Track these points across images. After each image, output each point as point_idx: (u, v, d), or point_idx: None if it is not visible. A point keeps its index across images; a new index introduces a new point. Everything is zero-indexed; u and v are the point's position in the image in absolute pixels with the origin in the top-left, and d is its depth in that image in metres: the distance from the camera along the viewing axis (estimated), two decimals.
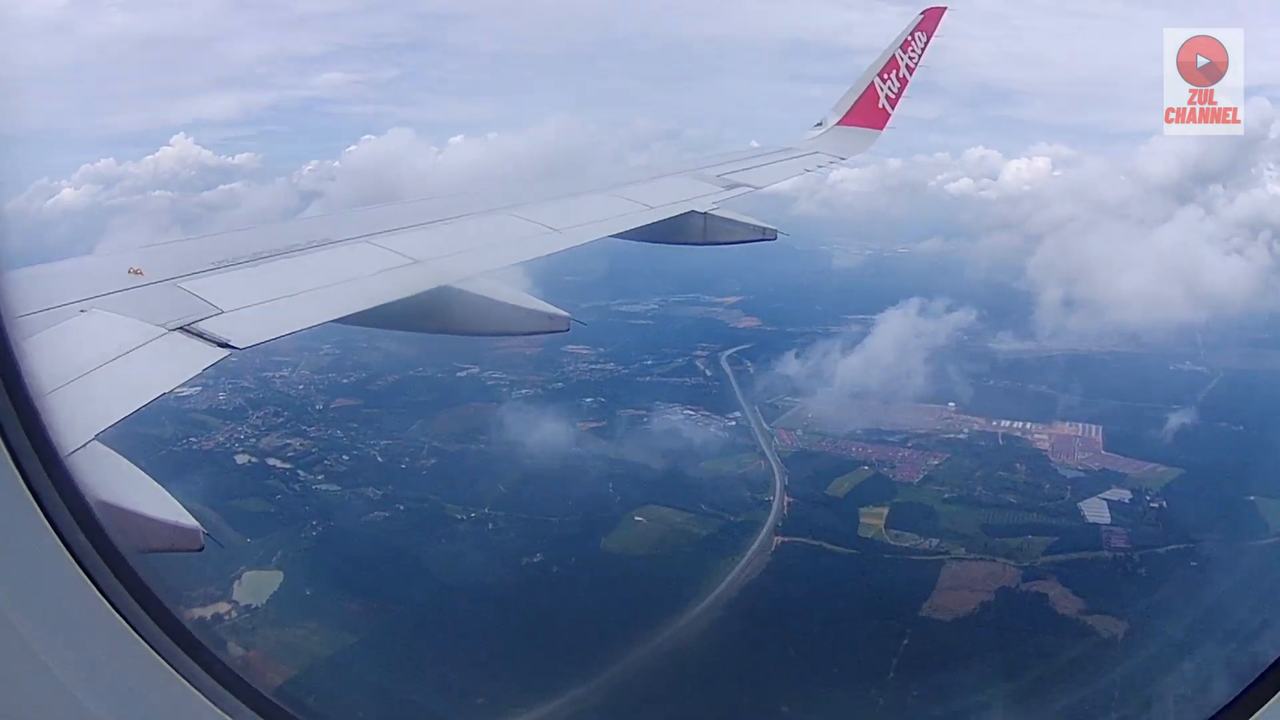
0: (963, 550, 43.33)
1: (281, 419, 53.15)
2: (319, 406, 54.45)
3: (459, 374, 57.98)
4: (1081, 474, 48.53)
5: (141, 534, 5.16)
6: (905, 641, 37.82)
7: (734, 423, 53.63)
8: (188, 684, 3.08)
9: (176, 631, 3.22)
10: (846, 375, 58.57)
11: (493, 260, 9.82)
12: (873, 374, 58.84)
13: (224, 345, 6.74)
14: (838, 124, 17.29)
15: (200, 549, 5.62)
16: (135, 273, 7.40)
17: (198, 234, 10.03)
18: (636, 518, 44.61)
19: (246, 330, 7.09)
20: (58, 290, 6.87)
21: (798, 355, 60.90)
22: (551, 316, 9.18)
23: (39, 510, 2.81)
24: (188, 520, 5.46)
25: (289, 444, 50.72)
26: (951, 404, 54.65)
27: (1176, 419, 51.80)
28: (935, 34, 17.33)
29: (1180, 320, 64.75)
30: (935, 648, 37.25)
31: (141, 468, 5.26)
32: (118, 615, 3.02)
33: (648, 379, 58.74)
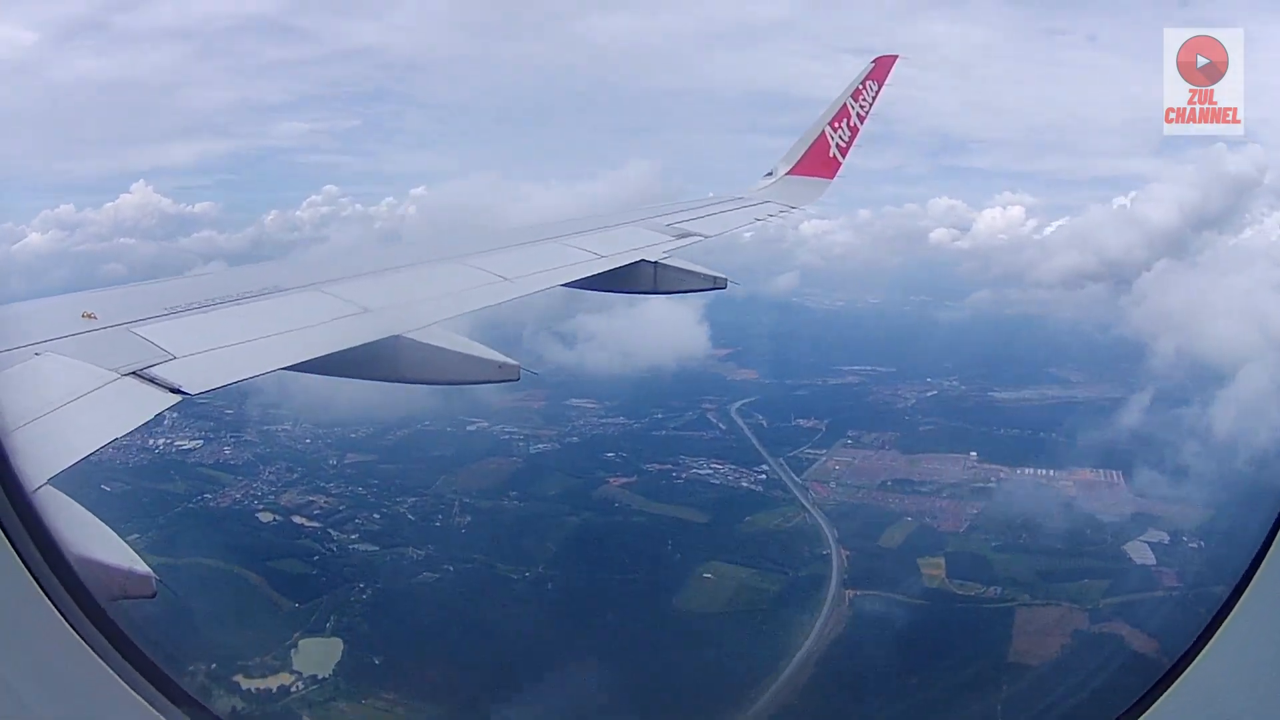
0: (1027, 596, 42.94)
1: (296, 475, 49.96)
2: (333, 462, 51.35)
3: (469, 428, 55.67)
4: (1116, 518, 48.89)
5: (95, 579, 4.80)
6: (1004, 689, 37.08)
7: (764, 476, 52.39)
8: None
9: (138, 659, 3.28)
10: (859, 426, 58.20)
11: (442, 310, 9.76)
12: (883, 424, 58.70)
13: (176, 391, 6.69)
14: (788, 173, 17.20)
15: (153, 595, 5.43)
16: (88, 317, 7.40)
17: (150, 279, 9.71)
18: (704, 575, 42.73)
19: (198, 376, 7.05)
20: (11, 333, 6.81)
21: (805, 407, 60.35)
22: (501, 365, 9.07)
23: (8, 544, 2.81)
24: (140, 566, 5.27)
25: (312, 501, 47.50)
26: (973, 453, 54.72)
27: (1194, 461, 52.90)
28: (887, 83, 17.19)
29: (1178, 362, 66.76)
30: (1033, 693, 36.59)
31: (108, 522, 5.21)
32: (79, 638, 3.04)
33: (663, 433, 57.13)
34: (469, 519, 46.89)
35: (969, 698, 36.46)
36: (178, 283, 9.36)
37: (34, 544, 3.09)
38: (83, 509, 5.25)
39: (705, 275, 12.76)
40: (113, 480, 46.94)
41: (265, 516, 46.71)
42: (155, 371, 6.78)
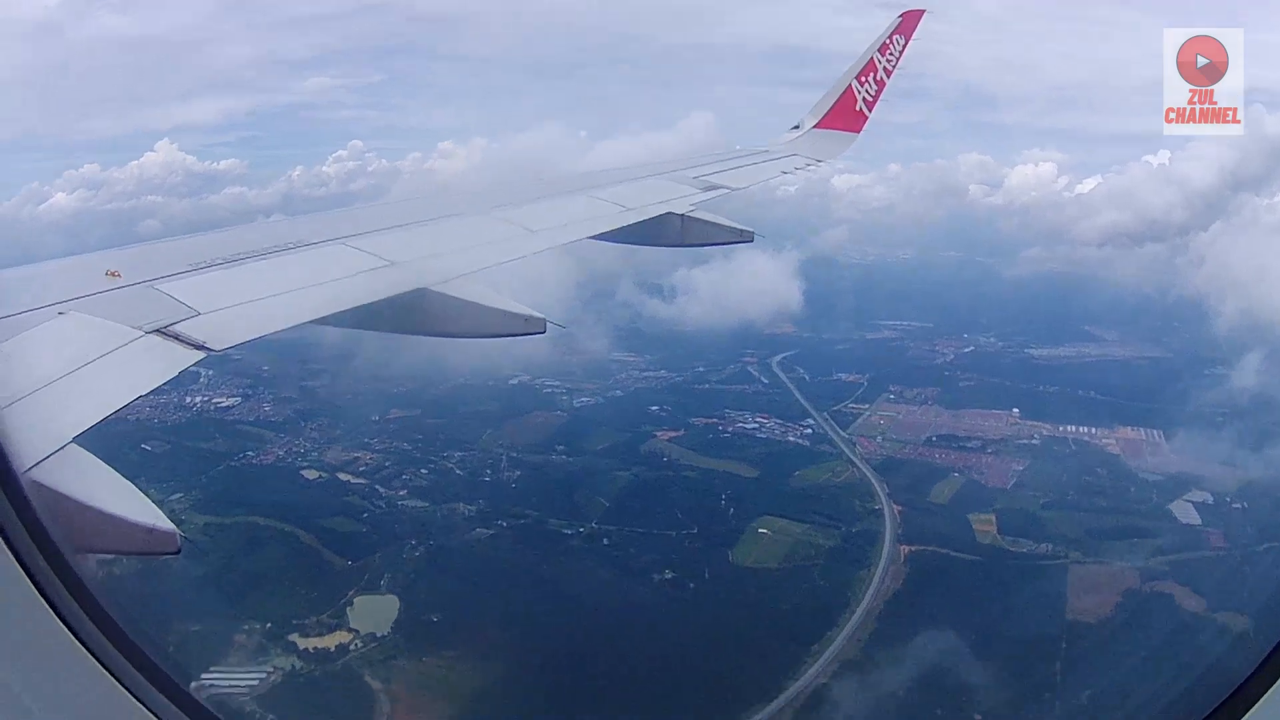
0: (1079, 554, 42.94)
1: (339, 431, 49.56)
2: (375, 418, 50.80)
3: (511, 381, 55.23)
4: (1159, 478, 48.79)
5: (118, 537, 5.02)
6: (1064, 645, 37.16)
7: (810, 430, 52.24)
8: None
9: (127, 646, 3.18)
10: (899, 382, 57.95)
11: (469, 262, 9.65)
12: (924, 380, 58.45)
13: (200, 348, 6.67)
14: (814, 127, 17.09)
15: (177, 552, 5.24)
16: (112, 275, 7.36)
17: (174, 236, 9.74)
18: (760, 530, 42.55)
19: (223, 332, 7.01)
20: (36, 293, 6.81)
21: (845, 362, 60.03)
22: (527, 319, 8.94)
23: None
24: (164, 523, 5.14)
25: (357, 458, 47.04)
26: (1015, 410, 54.55)
27: (1231, 422, 52.83)
28: (914, 37, 17.04)
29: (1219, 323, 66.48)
30: (1092, 650, 36.67)
31: (128, 478, 5.09)
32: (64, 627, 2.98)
33: (706, 386, 56.94)
34: (518, 473, 46.60)
35: (1032, 657, 36.50)
36: (202, 239, 9.27)
37: (28, 536, 3.01)
38: (107, 467, 5.16)
39: (732, 228, 12.53)
40: (153, 439, 46.82)
41: (310, 474, 46.26)
42: (179, 328, 6.78)
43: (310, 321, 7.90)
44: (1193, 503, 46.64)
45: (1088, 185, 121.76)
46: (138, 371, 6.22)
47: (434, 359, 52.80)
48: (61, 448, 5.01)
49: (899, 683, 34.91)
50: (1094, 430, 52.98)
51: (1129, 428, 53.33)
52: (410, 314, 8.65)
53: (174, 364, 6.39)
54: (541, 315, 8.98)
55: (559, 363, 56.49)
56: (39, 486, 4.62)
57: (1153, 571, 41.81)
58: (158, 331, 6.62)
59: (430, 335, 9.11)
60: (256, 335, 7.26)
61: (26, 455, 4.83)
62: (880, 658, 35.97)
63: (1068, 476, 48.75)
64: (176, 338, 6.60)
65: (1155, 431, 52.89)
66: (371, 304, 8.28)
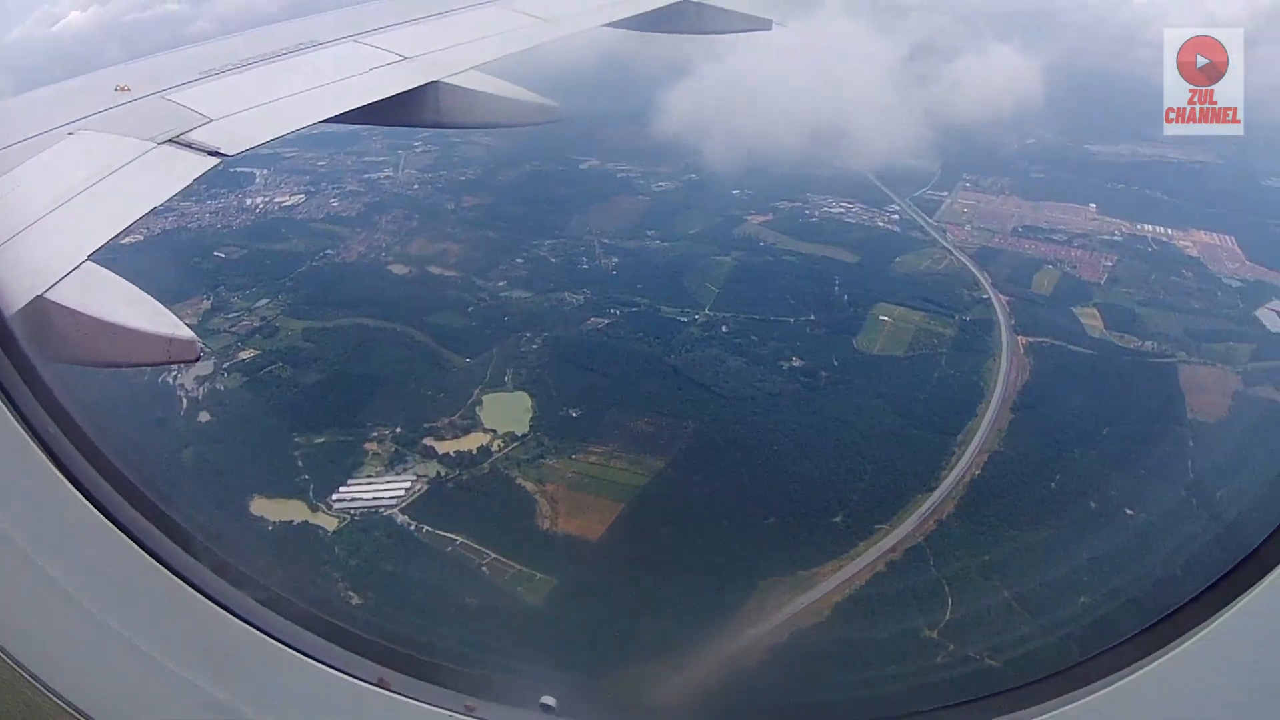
0: (1184, 354, 42.66)
1: (415, 223, 47.04)
2: (450, 207, 47.65)
3: (581, 166, 52.10)
4: (1241, 283, 48.38)
5: (139, 349, 5.19)
6: (1190, 444, 37.05)
7: (896, 216, 50.37)
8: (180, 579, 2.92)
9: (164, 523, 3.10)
10: (972, 170, 55.91)
11: (482, 53, 9.50)
12: (995, 170, 56.44)
13: (214, 154, 6.68)
14: None
15: (197, 359, 5.59)
16: (122, 89, 7.24)
17: (184, 45, 9.79)
18: (880, 317, 41.03)
19: (236, 137, 6.94)
20: (46, 115, 6.77)
21: (912, 148, 57.68)
22: (541, 107, 9.11)
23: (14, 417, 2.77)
24: (184, 332, 5.36)
25: (444, 250, 44.19)
26: (1092, 205, 53.24)
27: None
28: None
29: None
30: (1216, 452, 36.65)
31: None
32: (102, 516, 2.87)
33: (781, 169, 54.07)
34: (615, 260, 44.09)
35: (1160, 452, 36.25)
36: (214, 45, 9.19)
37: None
38: (122, 280, 5.24)
39: (748, 16, 12.61)
40: (225, 245, 44.44)
41: (399, 269, 43.67)
42: (192, 136, 6.76)
43: (324, 120, 7.90)
44: (1276, 311, 46.46)
45: None
46: (152, 183, 6.24)
47: (493, 147, 49.65)
48: (77, 266, 5.07)
49: (1047, 476, 34.43)
50: (1170, 231, 52.01)
51: (1202, 231, 52.45)
52: (424, 107, 8.53)
53: (188, 172, 6.43)
54: (555, 103, 9.15)
55: (627, 146, 53.95)
56: (57, 307, 4.68)
57: (1252, 376, 41.76)
58: (170, 141, 6.63)
59: (444, 127, 9.09)
60: (272, 137, 7.25)
61: (44, 277, 4.86)
62: (1027, 451, 35.38)
63: (1156, 275, 48.04)
64: (189, 145, 6.64)
65: (1228, 237, 52.18)
66: (385, 100, 8.19)
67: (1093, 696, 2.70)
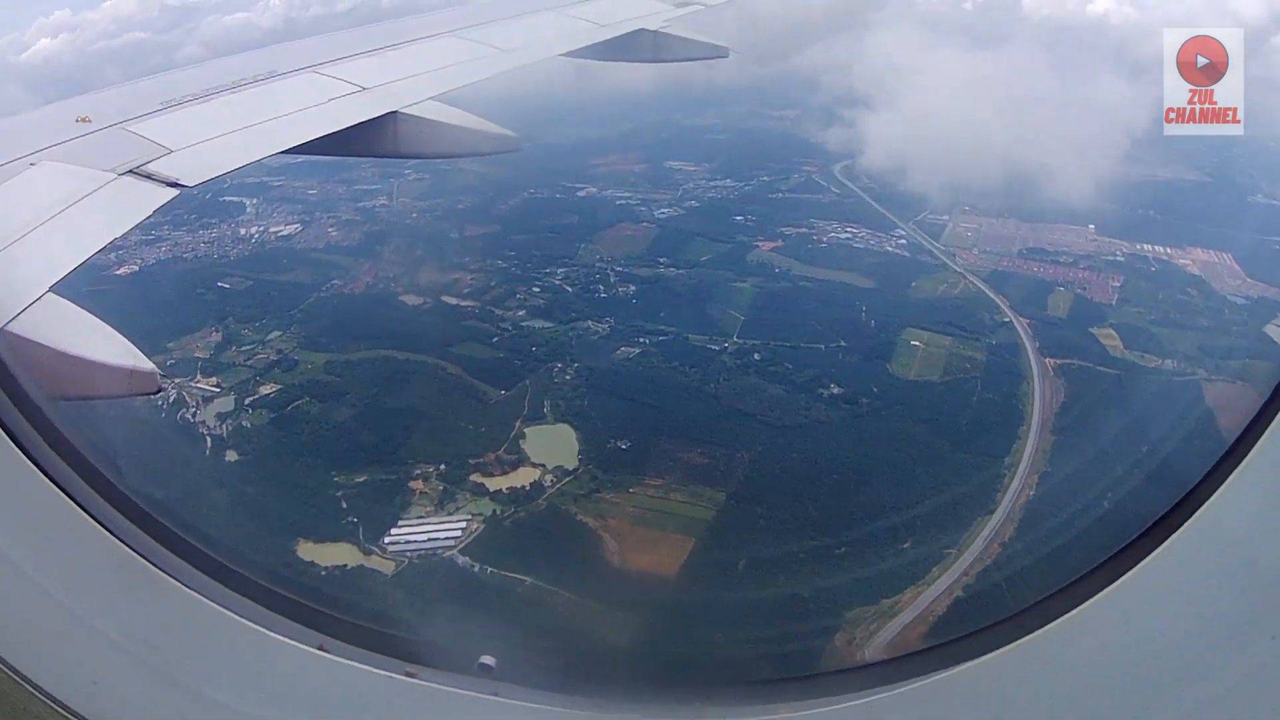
0: (1203, 372, 42.74)
1: (420, 252, 45.26)
2: (454, 235, 46.36)
3: (579, 194, 50.93)
4: (1245, 300, 48.85)
5: (99, 381, 5.10)
6: None
7: (903, 240, 49.99)
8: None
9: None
10: (968, 193, 55.96)
11: (441, 84, 9.55)
12: (989, 189, 56.57)
13: (174, 185, 6.64)
14: None
15: (157, 391, 5.45)
16: (83, 120, 7.22)
17: (144, 75, 9.78)
18: (912, 342, 40.45)
19: (196, 167, 6.93)
20: (9, 146, 6.64)
21: (904, 172, 57.50)
22: (500, 137, 9.10)
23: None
24: (145, 364, 5.31)
25: (456, 279, 42.61)
26: (1091, 225, 53.56)
27: None
28: None
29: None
30: None
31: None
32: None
33: (778, 195, 53.79)
34: (633, 288, 42.97)
35: (1203, 470, 36.00)
36: (175, 75, 9.14)
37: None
38: (84, 311, 5.22)
39: (705, 44, 12.50)
40: (228, 276, 42.89)
41: (411, 299, 41.91)
42: (152, 167, 6.66)
43: (283, 151, 7.82)
44: None
45: None
46: (112, 214, 6.14)
47: (486, 174, 48.71)
48: (39, 298, 5.06)
49: (1099, 495, 33.94)
50: (1169, 250, 52.39)
51: (1199, 249, 52.93)
52: (383, 138, 8.51)
53: (149, 204, 6.34)
54: (514, 134, 9.09)
55: (620, 173, 53.03)
56: (17, 339, 4.65)
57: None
58: (130, 172, 6.52)
59: (404, 158, 9.25)
60: (230, 169, 7.21)
61: (5, 309, 4.84)
62: (1075, 472, 34.92)
63: (1163, 294, 48.24)
64: (149, 176, 6.53)
65: (1225, 254, 52.70)
66: (344, 130, 8.14)
67: (1050, 626, 2.81)
